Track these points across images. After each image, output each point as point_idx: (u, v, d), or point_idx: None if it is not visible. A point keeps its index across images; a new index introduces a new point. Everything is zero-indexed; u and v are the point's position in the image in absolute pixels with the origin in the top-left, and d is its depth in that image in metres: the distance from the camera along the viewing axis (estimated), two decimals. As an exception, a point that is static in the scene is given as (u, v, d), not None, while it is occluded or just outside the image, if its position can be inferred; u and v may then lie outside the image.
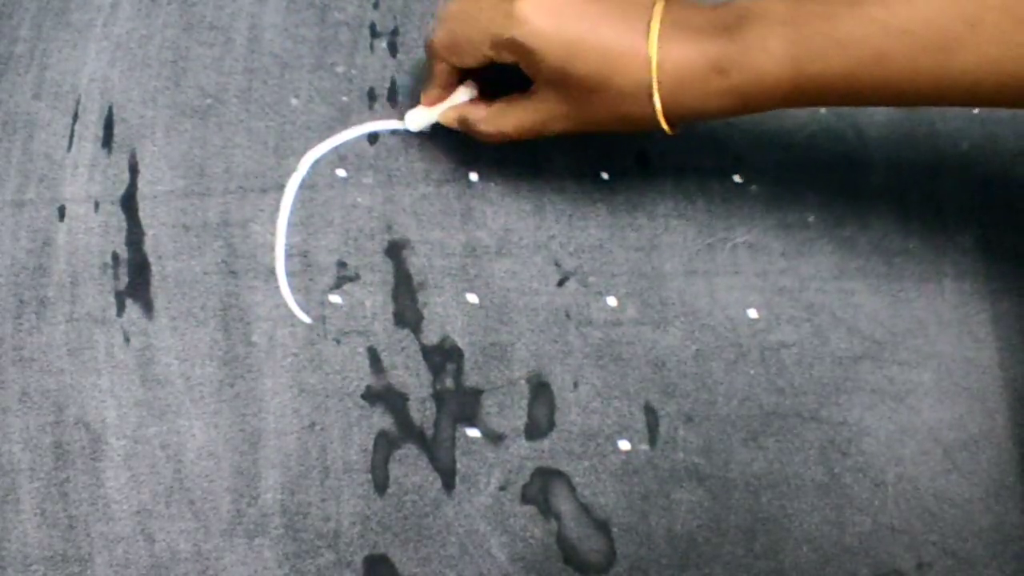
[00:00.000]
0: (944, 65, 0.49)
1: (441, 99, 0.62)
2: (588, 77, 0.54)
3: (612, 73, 0.53)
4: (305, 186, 0.63)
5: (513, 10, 0.54)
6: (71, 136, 0.65)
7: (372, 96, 0.65)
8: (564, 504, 0.58)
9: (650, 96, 0.53)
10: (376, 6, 0.67)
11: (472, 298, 0.61)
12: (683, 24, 0.52)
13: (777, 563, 0.57)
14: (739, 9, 0.52)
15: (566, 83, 0.55)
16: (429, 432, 0.59)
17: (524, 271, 0.62)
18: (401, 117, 0.64)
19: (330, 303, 0.61)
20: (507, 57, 0.56)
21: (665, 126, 0.54)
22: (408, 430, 0.59)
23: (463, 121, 0.61)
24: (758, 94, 0.52)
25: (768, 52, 0.51)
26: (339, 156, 0.64)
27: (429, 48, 0.59)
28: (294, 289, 0.61)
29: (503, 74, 0.58)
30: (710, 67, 0.52)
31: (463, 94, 0.61)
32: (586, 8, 0.54)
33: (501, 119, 0.59)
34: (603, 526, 0.58)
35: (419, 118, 0.63)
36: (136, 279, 0.62)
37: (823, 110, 0.65)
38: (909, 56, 0.49)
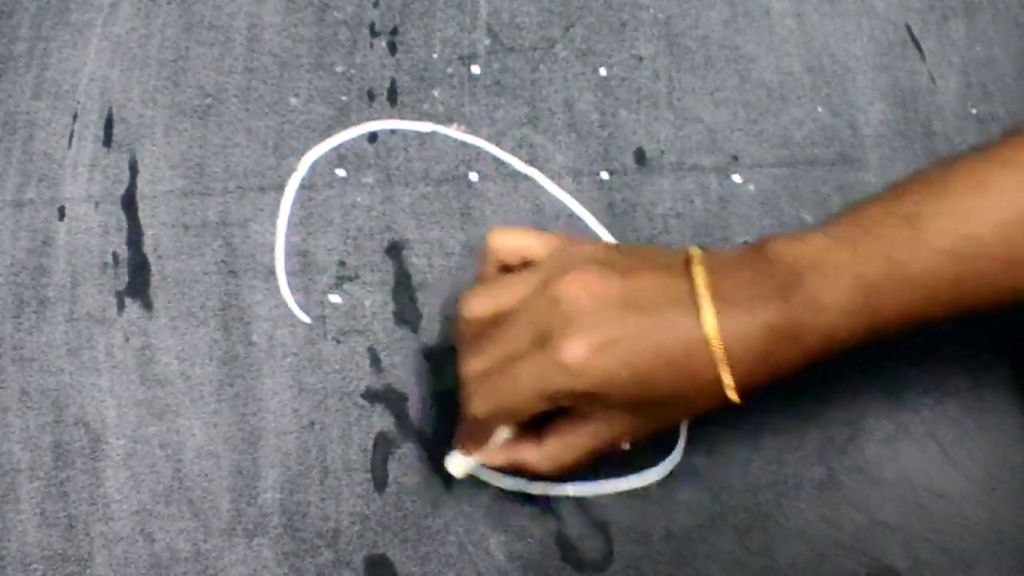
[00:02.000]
0: (1021, 275, 0.47)
1: (480, 444, 0.53)
2: (662, 392, 0.48)
3: (683, 377, 0.48)
4: (305, 186, 0.63)
5: (561, 359, 0.47)
6: (71, 136, 0.65)
7: (371, 95, 0.65)
8: (563, 504, 0.58)
9: (721, 386, 0.48)
10: (375, 5, 0.67)
11: (472, 298, 0.61)
12: (736, 298, 0.47)
13: (772, 560, 0.57)
14: (791, 262, 0.48)
15: (635, 406, 0.49)
16: (429, 432, 0.59)
17: (524, 271, 0.62)
18: (401, 117, 0.64)
19: (330, 303, 0.61)
20: (565, 404, 0.50)
21: (738, 401, 0.49)
22: (408, 430, 0.59)
23: (515, 464, 0.53)
24: (832, 347, 0.48)
25: (839, 307, 0.47)
26: (339, 156, 0.64)
27: (469, 418, 0.51)
28: (294, 289, 0.62)
29: None
30: (779, 337, 0.47)
31: (504, 434, 0.53)
32: (631, 325, 0.47)
33: (563, 456, 0.52)
34: (602, 526, 0.58)
35: (461, 464, 0.55)
36: (136, 279, 0.62)
37: (820, 108, 0.65)
38: (987, 275, 0.47)
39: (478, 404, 0.50)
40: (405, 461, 0.59)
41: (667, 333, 0.47)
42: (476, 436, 0.53)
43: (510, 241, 0.53)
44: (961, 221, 0.47)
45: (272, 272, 0.62)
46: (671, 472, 0.58)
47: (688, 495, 0.58)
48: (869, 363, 0.59)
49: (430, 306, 0.61)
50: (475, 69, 0.65)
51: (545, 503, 0.58)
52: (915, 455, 0.58)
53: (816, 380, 0.59)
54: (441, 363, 0.60)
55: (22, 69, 0.66)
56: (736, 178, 0.63)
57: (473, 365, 0.50)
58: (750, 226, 0.62)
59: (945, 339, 0.60)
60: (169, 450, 0.59)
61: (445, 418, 0.59)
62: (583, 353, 0.47)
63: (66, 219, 0.63)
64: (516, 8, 0.67)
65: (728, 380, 0.47)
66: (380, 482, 0.59)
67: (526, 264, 0.53)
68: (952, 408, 0.59)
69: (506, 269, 0.54)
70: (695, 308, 0.47)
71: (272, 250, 0.62)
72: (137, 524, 0.58)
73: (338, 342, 0.61)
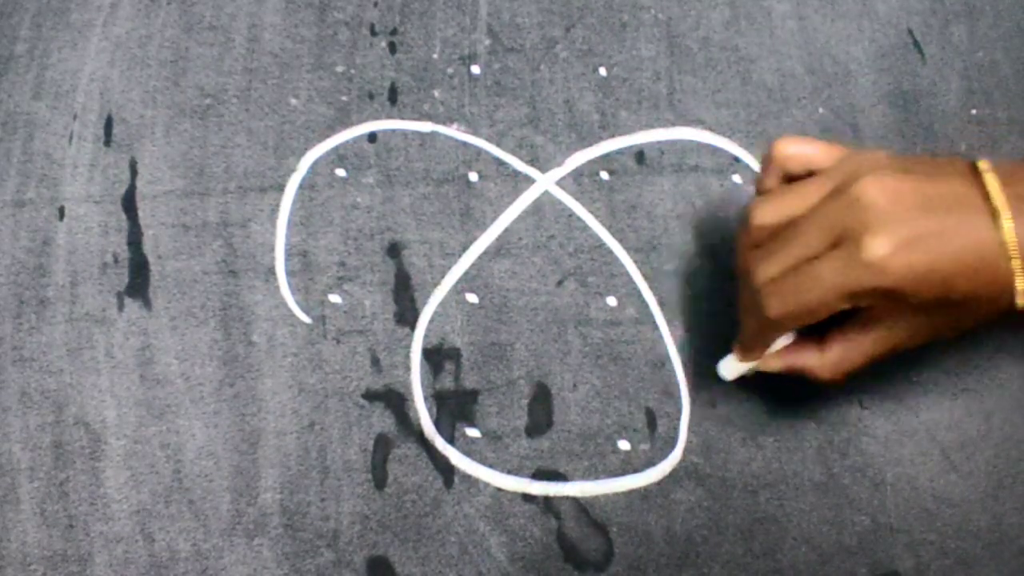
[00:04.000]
0: None
1: (761, 350, 0.55)
2: (957, 297, 0.48)
3: (978, 283, 0.48)
4: (305, 186, 0.63)
5: (867, 258, 0.47)
6: (71, 136, 0.65)
7: (371, 95, 0.65)
8: (563, 503, 0.58)
9: (1014, 291, 0.48)
10: (375, 5, 0.67)
11: (472, 298, 0.61)
12: None
13: (775, 563, 0.57)
14: None
15: (929, 308, 0.49)
16: (429, 432, 0.59)
17: (524, 271, 0.62)
18: (401, 117, 0.64)
19: (330, 303, 0.61)
20: (863, 303, 0.50)
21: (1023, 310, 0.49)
22: (408, 430, 0.59)
23: (795, 369, 0.55)
24: None
25: None
26: (339, 156, 0.64)
27: (767, 323, 0.52)
28: (294, 289, 0.62)
29: None
30: None
31: (784, 338, 0.55)
32: (931, 226, 0.48)
33: (847, 362, 0.53)
34: (602, 526, 0.58)
35: (736, 368, 0.57)
36: (136, 279, 0.62)
37: (821, 109, 0.65)
38: None
39: (775, 306, 0.51)
40: (405, 461, 0.59)
41: (965, 236, 0.48)
42: (757, 342, 0.54)
43: (796, 150, 0.53)
44: None
45: (272, 272, 0.62)
46: (671, 472, 0.58)
47: (688, 495, 0.58)
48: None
49: (430, 306, 0.61)
50: (475, 69, 0.66)
51: (544, 502, 0.58)
52: (916, 458, 0.58)
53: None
54: (441, 363, 0.60)
55: (22, 69, 0.66)
56: (736, 179, 0.63)
57: (767, 270, 0.51)
58: (751, 226, 0.62)
59: (945, 341, 0.60)
60: (169, 450, 0.59)
61: (446, 418, 0.59)
62: (887, 250, 0.47)
63: (66, 219, 0.63)
64: (516, 8, 0.67)
65: (1022, 286, 0.48)
66: (380, 482, 0.58)
67: (810, 174, 0.53)
68: (953, 411, 0.59)
69: (788, 179, 0.54)
70: (990, 213, 0.48)
71: (272, 250, 0.62)
72: (137, 524, 0.58)
73: (338, 342, 0.61)
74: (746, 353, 0.55)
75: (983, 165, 0.49)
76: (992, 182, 0.48)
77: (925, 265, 0.47)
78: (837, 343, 0.53)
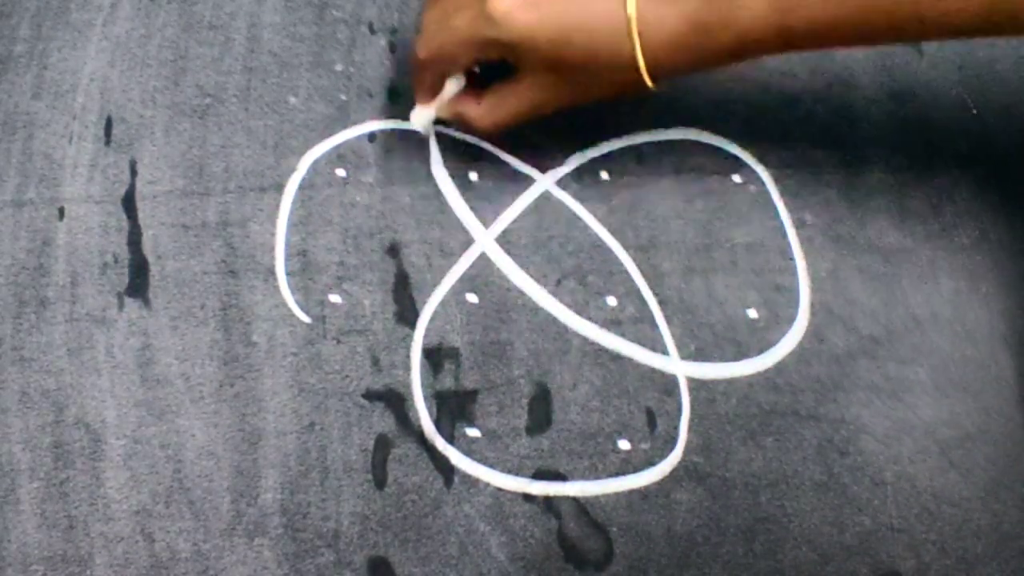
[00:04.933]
0: (935, 5, 0.48)
1: (433, 97, 0.61)
2: (577, 58, 0.53)
3: (599, 49, 0.53)
4: (304, 186, 0.63)
5: (488, 10, 0.53)
6: (71, 136, 0.65)
7: (371, 94, 0.65)
8: (564, 503, 0.58)
9: (636, 63, 0.53)
10: (374, 3, 0.67)
11: (472, 298, 0.61)
12: None
13: (776, 563, 0.57)
14: None
15: (556, 67, 0.54)
16: (429, 432, 0.59)
17: (524, 271, 0.62)
18: (401, 116, 0.64)
19: (330, 303, 0.61)
20: (495, 55, 0.56)
21: (652, 85, 0.54)
22: (408, 430, 0.59)
23: (458, 116, 0.60)
24: (743, 49, 0.52)
25: (751, 9, 0.51)
26: (338, 155, 0.64)
27: (415, 61, 0.59)
28: (294, 289, 0.62)
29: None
30: (693, 29, 0.52)
31: (452, 86, 0.60)
32: None
33: (496, 112, 0.58)
34: (602, 526, 0.58)
35: (421, 117, 0.62)
36: (136, 279, 0.62)
37: (820, 109, 0.65)
38: (888, 7, 0.49)
39: (421, 48, 0.58)
40: (405, 461, 0.59)
41: (590, 4, 0.53)
42: (429, 90, 0.60)
43: None
44: None
45: (272, 272, 0.62)
46: (671, 472, 0.58)
47: (688, 495, 0.58)
48: (866, 359, 0.59)
49: (430, 306, 0.61)
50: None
51: (544, 502, 0.58)
52: (915, 456, 0.58)
53: (814, 377, 0.59)
54: (441, 363, 0.60)
55: (22, 69, 0.66)
56: (736, 178, 0.63)
57: (427, 17, 0.58)
58: (751, 227, 0.62)
59: (944, 336, 0.60)
60: (169, 450, 0.59)
61: (446, 417, 0.59)
62: (507, 7, 0.53)
63: (66, 219, 0.63)
64: (516, 8, 0.67)
65: (642, 62, 0.53)
66: (380, 482, 0.58)
67: None
68: (951, 408, 0.59)
69: None
70: None
71: (272, 250, 0.62)
72: (137, 524, 0.58)
73: (338, 342, 0.61)
74: (417, 95, 0.61)
75: None
76: None
77: (543, 24, 0.53)
78: (491, 96, 0.59)
